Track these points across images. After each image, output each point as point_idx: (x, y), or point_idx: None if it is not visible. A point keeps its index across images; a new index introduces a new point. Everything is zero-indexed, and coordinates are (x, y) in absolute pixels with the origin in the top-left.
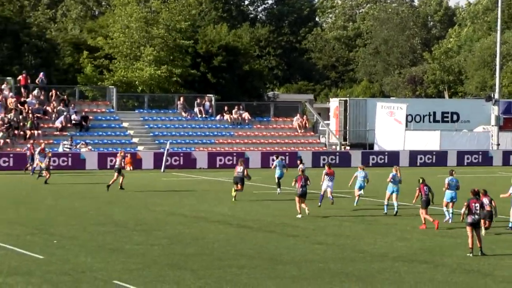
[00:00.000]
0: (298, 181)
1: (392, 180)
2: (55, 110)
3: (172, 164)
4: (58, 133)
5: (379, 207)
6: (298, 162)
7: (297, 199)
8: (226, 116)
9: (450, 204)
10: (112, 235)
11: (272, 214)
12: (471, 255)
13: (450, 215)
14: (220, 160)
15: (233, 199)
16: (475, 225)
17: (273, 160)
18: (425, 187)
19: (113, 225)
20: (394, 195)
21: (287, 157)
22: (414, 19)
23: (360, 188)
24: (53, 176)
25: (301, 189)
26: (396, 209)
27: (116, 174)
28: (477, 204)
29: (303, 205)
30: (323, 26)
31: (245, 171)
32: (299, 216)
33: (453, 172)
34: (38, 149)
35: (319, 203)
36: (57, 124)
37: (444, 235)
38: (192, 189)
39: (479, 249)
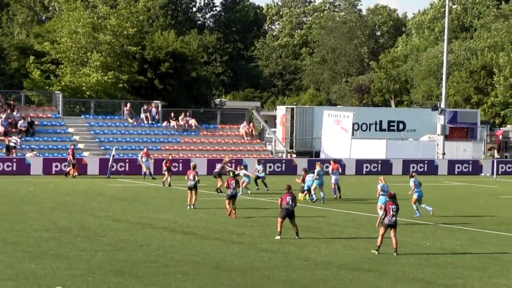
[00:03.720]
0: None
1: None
2: (0, 114)
3: (117, 170)
4: (3, 137)
5: (325, 215)
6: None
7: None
8: (173, 123)
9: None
10: (56, 241)
11: (217, 221)
12: (376, 252)
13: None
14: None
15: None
16: (391, 227)
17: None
18: (392, 206)
19: (57, 231)
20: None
21: (233, 165)
22: (362, 28)
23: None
24: None
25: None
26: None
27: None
28: (394, 206)
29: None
30: (272, 33)
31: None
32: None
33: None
34: (141, 154)
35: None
36: (2, 128)
37: (388, 243)
38: (138, 196)
39: (395, 250)
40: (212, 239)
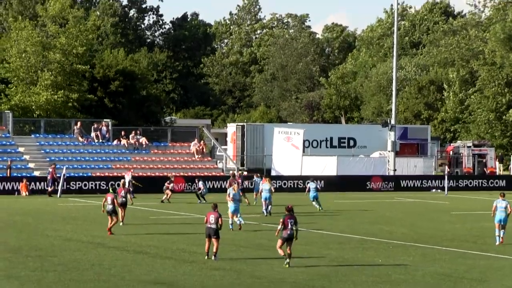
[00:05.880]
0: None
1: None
2: None
3: (68, 190)
4: None
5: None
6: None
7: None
8: (123, 141)
9: None
10: (6, 261)
11: (170, 240)
12: (287, 265)
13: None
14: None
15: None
16: (289, 239)
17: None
18: (290, 220)
19: (7, 251)
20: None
21: (184, 183)
22: (314, 47)
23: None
24: None
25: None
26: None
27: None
28: (292, 220)
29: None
30: (221, 51)
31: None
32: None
33: None
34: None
35: None
36: None
37: (340, 261)
38: (89, 215)
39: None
40: (164, 258)
